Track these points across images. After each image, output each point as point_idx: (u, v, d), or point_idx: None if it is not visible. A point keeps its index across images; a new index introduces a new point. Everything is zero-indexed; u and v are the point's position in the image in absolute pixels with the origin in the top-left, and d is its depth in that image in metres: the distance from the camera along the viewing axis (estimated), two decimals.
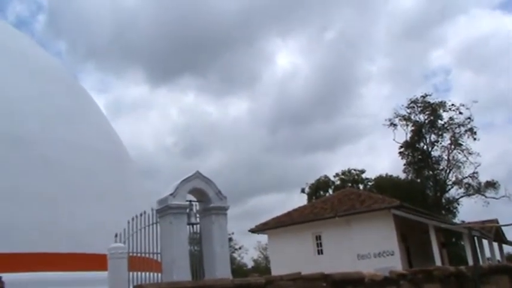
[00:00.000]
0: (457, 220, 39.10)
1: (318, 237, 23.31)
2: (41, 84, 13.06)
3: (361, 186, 46.22)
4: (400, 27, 70.72)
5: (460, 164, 41.39)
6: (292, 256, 22.30)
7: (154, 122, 76.27)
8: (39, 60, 14.40)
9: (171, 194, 9.54)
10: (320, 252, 23.07)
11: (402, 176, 44.03)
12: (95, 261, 10.10)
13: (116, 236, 9.15)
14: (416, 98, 42.60)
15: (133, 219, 9.47)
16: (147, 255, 9.43)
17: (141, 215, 9.60)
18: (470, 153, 40.78)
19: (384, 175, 47.29)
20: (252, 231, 26.04)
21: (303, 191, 49.00)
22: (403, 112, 42.87)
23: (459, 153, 41.53)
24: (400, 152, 43.21)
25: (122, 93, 78.14)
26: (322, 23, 70.69)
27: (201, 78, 71.88)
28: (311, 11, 69.41)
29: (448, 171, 42.28)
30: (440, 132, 42.18)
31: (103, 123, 15.42)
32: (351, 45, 69.76)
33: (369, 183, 47.42)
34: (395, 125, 42.94)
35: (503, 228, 26.94)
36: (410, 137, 42.82)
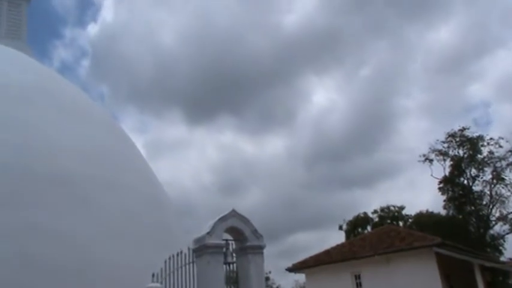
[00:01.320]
0: (503, 258, 37.47)
1: (357, 277, 22.73)
2: (82, 125, 13.46)
3: (400, 223, 45.12)
4: (436, 61, 70.22)
5: (504, 199, 39.99)
6: None
7: (192, 161, 77.28)
8: (81, 103, 14.91)
9: (207, 233, 9.56)
10: None
11: (443, 212, 42.82)
12: None
13: (153, 275, 9.17)
14: (454, 132, 41.80)
15: (170, 258, 9.49)
16: None
17: (177, 254, 9.61)
18: None
19: (424, 211, 46.11)
20: (290, 270, 25.65)
21: (340, 228, 48.19)
22: (439, 147, 42.09)
23: (502, 187, 40.21)
24: (439, 188, 42.17)
25: (161, 133, 79.90)
26: (357, 59, 70.93)
27: (238, 116, 72.83)
28: (346, 49, 69.88)
29: (491, 206, 40.88)
30: (480, 167, 41.03)
31: (142, 163, 15.70)
32: (387, 80, 69.56)
33: (409, 220, 46.27)
34: (431, 160, 42.12)
35: None
36: (449, 172, 41.81)
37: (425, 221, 42.42)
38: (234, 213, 10.00)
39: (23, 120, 12.22)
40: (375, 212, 48.05)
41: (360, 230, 45.83)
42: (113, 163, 13.43)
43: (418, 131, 71.63)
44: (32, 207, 10.89)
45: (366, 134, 69.90)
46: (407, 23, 70.20)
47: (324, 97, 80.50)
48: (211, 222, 9.74)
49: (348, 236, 44.09)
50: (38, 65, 16.45)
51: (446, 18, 69.74)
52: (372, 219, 47.50)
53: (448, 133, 41.55)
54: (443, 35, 73.00)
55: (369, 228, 45.12)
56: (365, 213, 47.96)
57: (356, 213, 48.12)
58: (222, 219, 9.78)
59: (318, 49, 67.19)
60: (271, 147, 78.44)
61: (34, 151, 11.81)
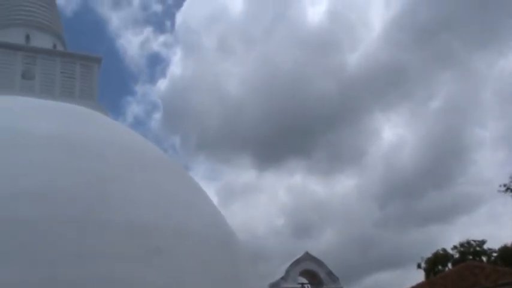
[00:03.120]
0: None
1: None
2: (154, 176, 13.83)
3: (484, 259, 42.60)
4: (509, 89, 67.34)
5: None
6: None
7: (263, 205, 77.39)
8: (152, 155, 15.44)
9: (282, 278, 9.41)
10: None
11: None
12: None
13: None
14: None
15: None
16: None
17: None
18: None
19: (509, 245, 43.36)
20: None
21: (419, 266, 46.20)
22: None
23: None
24: None
25: (232, 179, 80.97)
26: (425, 92, 69.37)
27: (306, 158, 72.75)
28: (413, 83, 68.62)
29: None
30: None
31: (213, 210, 15.84)
32: (458, 111, 67.30)
33: (493, 255, 43.61)
34: None
35: None
36: None
37: (511, 255, 39.89)
38: (307, 256, 9.81)
39: (96, 174, 12.69)
40: (455, 248, 45.83)
41: (440, 267, 43.77)
42: (183, 211, 13.62)
43: (494, 161, 68.25)
44: (108, 258, 11.14)
45: (439, 168, 67.37)
46: (476, 52, 68.30)
47: (393, 133, 78.88)
48: (285, 267, 9.59)
49: (427, 275, 42.18)
50: (110, 121, 17.25)
51: None
52: (452, 255, 45.30)
53: None
54: None
55: (449, 265, 43.01)
56: (444, 250, 45.85)
57: (434, 250, 46.15)
58: (296, 262, 9.61)
59: (384, 85, 66.42)
60: (342, 187, 77.18)
61: (108, 203, 12.20)
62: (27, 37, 19.92)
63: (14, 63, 18.55)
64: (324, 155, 71.96)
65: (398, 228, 68.94)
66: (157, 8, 63.40)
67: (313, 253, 9.84)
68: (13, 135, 12.76)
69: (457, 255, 44.59)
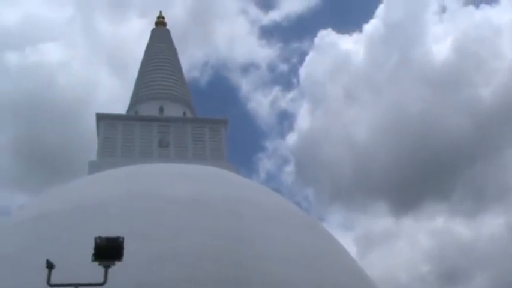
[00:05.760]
0: None
1: None
2: (288, 231, 13.99)
3: None
4: None
5: None
6: None
7: (404, 252, 73.69)
8: (285, 209, 15.71)
9: None
10: None
11: None
12: None
13: None
14: None
15: None
16: None
17: None
18: None
19: None
20: None
21: None
22: None
23: None
24: None
25: (369, 227, 78.54)
26: None
27: (447, 200, 68.53)
28: None
29: None
30: None
31: (349, 261, 15.55)
32: None
33: None
34: None
35: None
36: None
37: None
38: None
39: (232, 232, 13.10)
40: None
41: None
42: (320, 264, 13.50)
43: None
44: None
45: None
46: None
47: None
48: None
49: None
50: (241, 179, 17.88)
51: None
52: None
53: None
54: None
55: None
56: None
57: None
58: None
59: None
60: (490, 227, 71.19)
61: (247, 261, 12.47)
62: (161, 108, 21.77)
63: (151, 133, 20.37)
64: (465, 194, 67.26)
65: None
66: (283, 67, 66.14)
67: None
68: (157, 202, 13.68)
69: None
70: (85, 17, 52.93)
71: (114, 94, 46.22)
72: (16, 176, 42.29)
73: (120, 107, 23.48)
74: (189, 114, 22.40)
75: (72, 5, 58.57)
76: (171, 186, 14.61)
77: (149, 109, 21.59)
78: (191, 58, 51.44)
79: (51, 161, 39.41)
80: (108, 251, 8.11)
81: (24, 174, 42.18)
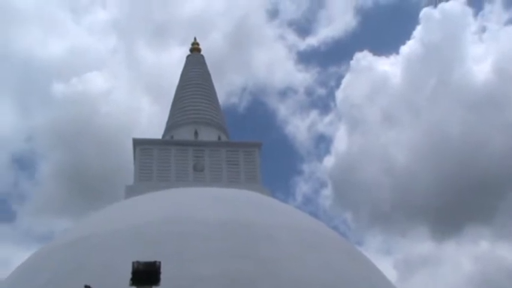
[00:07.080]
0: None
1: None
2: (324, 256, 13.80)
3: None
4: None
5: None
6: None
7: (447, 277, 71.63)
8: (321, 234, 15.50)
9: None
10: None
11: None
12: None
13: None
14: None
15: None
16: None
17: None
18: None
19: None
20: None
21: None
22: None
23: None
24: None
25: (409, 252, 76.83)
26: None
27: (490, 223, 66.66)
28: None
29: None
30: None
31: (385, 285, 15.16)
32: None
33: None
34: None
35: None
36: None
37: None
38: None
39: (267, 258, 13.00)
40: None
41: None
42: None
43: None
44: None
45: None
46: None
47: None
48: None
49: None
50: (277, 203, 17.81)
51: None
52: None
53: None
54: None
55: None
56: None
57: None
58: None
59: None
60: None
61: (281, 285, 12.31)
62: (196, 133, 22.00)
63: (186, 158, 20.60)
64: (509, 217, 65.42)
65: None
66: (320, 91, 66.42)
67: None
68: (192, 225, 13.74)
69: None
70: (127, 46, 55.00)
71: (154, 120, 47.15)
72: (60, 201, 43.58)
73: (159, 133, 23.93)
74: (223, 138, 22.57)
75: (115, 35, 60.68)
76: (206, 209, 14.66)
77: (184, 134, 21.90)
78: (230, 84, 52.22)
79: (93, 187, 40.50)
80: (146, 275, 8.18)
81: (67, 199, 43.47)
